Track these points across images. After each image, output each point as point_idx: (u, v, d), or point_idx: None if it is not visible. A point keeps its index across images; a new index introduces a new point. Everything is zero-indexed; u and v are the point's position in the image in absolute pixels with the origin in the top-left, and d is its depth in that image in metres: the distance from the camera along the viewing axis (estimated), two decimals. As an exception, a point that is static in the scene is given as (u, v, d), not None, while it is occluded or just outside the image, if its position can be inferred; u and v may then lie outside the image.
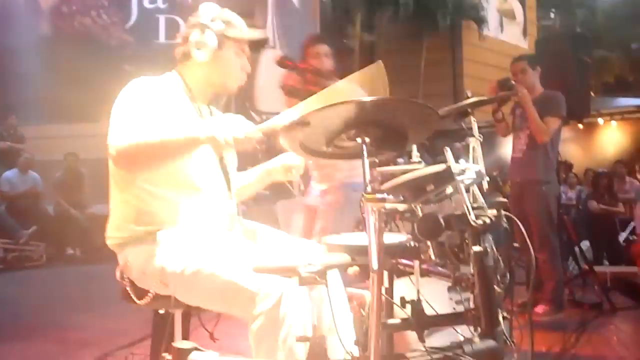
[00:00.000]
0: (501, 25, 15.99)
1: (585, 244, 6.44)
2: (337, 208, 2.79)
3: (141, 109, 1.65)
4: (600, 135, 11.44)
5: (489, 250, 1.29)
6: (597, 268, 4.96)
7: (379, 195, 1.16)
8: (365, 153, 1.19)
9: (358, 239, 1.79)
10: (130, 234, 1.71)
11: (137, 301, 1.70)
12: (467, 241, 1.31)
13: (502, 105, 3.40)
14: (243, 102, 11.10)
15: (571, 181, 9.05)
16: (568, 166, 9.45)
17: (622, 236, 7.18)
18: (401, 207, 1.46)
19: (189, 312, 1.92)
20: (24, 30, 10.37)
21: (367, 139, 1.21)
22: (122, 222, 1.73)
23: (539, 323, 3.59)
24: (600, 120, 11.09)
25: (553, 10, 19.99)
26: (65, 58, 9.92)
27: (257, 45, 1.86)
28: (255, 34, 1.84)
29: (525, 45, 15.46)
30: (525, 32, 16.53)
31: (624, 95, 14.53)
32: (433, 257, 1.78)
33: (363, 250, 1.53)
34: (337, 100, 1.20)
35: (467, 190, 1.50)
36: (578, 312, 3.87)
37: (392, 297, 1.78)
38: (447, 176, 1.30)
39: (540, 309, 3.69)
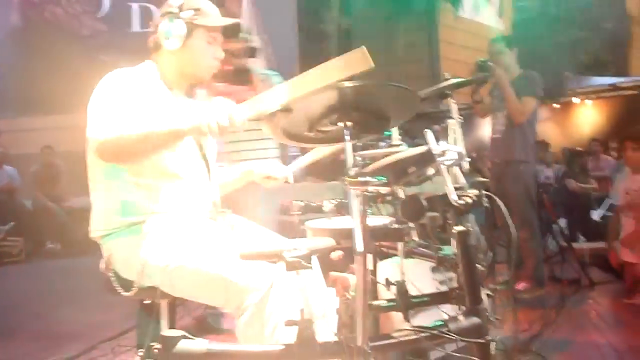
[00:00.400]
0: (477, 6, 16.03)
1: (562, 222, 6.57)
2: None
3: (120, 100, 1.63)
4: (576, 115, 11.59)
5: (471, 229, 1.31)
6: (575, 245, 5.07)
7: (361, 179, 1.17)
8: (347, 137, 1.20)
9: (341, 222, 1.81)
10: (114, 225, 1.70)
11: (123, 292, 1.69)
12: (449, 222, 1.32)
13: (480, 87, 3.42)
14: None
15: (548, 160, 9.18)
16: (545, 145, 9.57)
17: (600, 213, 7.31)
18: (383, 189, 1.47)
19: (174, 302, 1.93)
20: (-7, 21, 10.14)
21: (349, 123, 1.22)
22: (105, 214, 1.72)
23: (520, 300, 3.67)
24: (576, 100, 11.23)
25: (527, -10, 20.07)
26: (37, 49, 9.73)
27: (230, 33, 1.83)
28: (225, 20, 1.80)
29: (501, 26, 15.50)
30: (500, 13, 16.61)
31: (599, 75, 14.72)
32: (416, 238, 1.81)
33: (346, 233, 1.55)
34: (317, 84, 1.20)
35: (448, 172, 1.52)
36: (557, 288, 3.96)
37: (376, 279, 1.81)
38: (428, 158, 1.31)
39: (521, 286, 3.76)
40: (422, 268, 2.31)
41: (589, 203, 7.37)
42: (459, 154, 1.52)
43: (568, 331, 3.11)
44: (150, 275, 1.65)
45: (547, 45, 4.25)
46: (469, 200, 1.28)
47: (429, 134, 1.29)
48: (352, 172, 1.18)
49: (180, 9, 1.75)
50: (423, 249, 1.96)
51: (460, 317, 1.33)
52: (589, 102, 11.44)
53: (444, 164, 1.30)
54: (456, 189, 1.30)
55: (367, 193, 1.20)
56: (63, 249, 7.06)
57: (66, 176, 7.51)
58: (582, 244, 5.45)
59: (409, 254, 2.01)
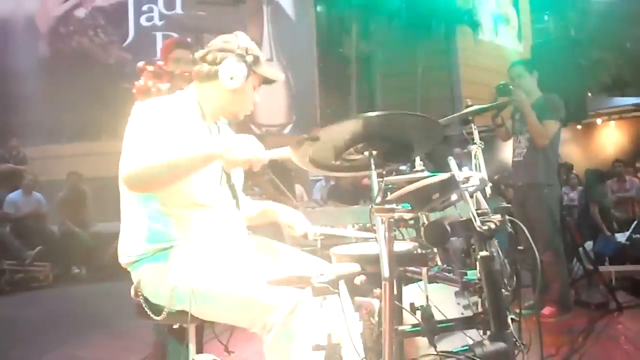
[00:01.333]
0: (496, 29, 16.10)
1: (588, 245, 6.47)
2: None
3: (153, 133, 1.68)
4: (598, 135, 11.49)
5: (495, 254, 1.33)
6: (601, 268, 4.99)
7: (387, 206, 1.19)
8: (372, 165, 1.24)
9: (365, 248, 1.83)
10: (143, 252, 1.74)
11: (155, 317, 1.73)
12: (473, 247, 1.34)
13: (501, 111, 3.44)
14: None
15: (572, 182, 9.08)
16: (568, 167, 9.48)
17: (626, 235, 7.19)
18: (408, 215, 1.50)
19: (202, 325, 1.96)
20: (23, 52, 10.46)
21: (374, 152, 1.25)
22: (134, 241, 1.76)
23: (546, 325, 3.62)
24: (598, 121, 11.15)
25: (547, 13, 20.09)
26: (65, 78, 10.01)
27: (270, 82, 1.91)
28: (275, 74, 1.90)
29: (520, 48, 15.56)
30: (520, 36, 16.64)
31: (621, 95, 14.59)
32: (440, 263, 1.82)
33: (370, 259, 1.57)
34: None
35: (471, 197, 1.54)
36: (585, 312, 3.89)
37: (401, 304, 1.82)
38: (451, 184, 1.33)
39: (547, 310, 3.71)
40: (445, 293, 2.30)
41: (612, 226, 7.27)
42: (482, 179, 1.54)
43: (596, 357, 3.05)
44: (180, 300, 1.69)
45: (568, 68, 4.22)
46: (492, 226, 1.30)
47: (452, 161, 1.32)
48: (378, 199, 1.21)
49: (246, 52, 1.82)
50: (446, 274, 1.96)
51: (486, 342, 1.34)
52: (612, 123, 11.33)
53: (467, 190, 1.32)
54: (479, 214, 1.32)
55: (392, 220, 1.23)
56: (88, 274, 7.17)
57: (92, 202, 7.66)
58: (608, 267, 5.35)
59: (432, 279, 2.02)
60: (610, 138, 11.31)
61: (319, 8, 14.03)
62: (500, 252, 1.37)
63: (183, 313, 1.71)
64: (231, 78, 1.80)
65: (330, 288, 1.25)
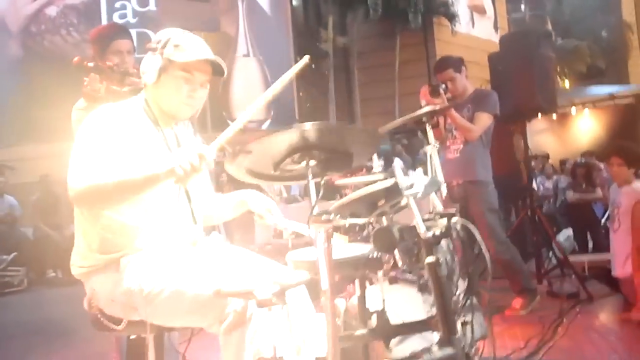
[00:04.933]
0: (472, 20, 16.15)
1: (565, 234, 6.54)
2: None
3: (101, 145, 1.65)
4: (574, 125, 11.62)
5: (441, 260, 1.32)
6: (573, 258, 5.05)
7: (324, 217, 1.18)
8: (310, 175, 1.22)
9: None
10: (94, 262, 1.72)
11: (115, 327, 1.70)
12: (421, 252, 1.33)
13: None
14: (220, 112, 11.10)
15: (548, 171, 9.19)
16: (544, 157, 9.58)
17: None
18: (360, 221, 1.49)
19: (161, 335, 1.93)
20: (-6, 52, 10.28)
21: (311, 162, 1.23)
22: (86, 251, 1.74)
23: (517, 317, 3.66)
24: (573, 110, 11.26)
25: (522, 2, 20.23)
26: (37, 78, 9.85)
27: (219, 74, 1.83)
28: (197, 56, 1.75)
29: (496, 39, 15.61)
30: (496, 26, 16.72)
31: (598, 83, 14.76)
32: (400, 264, 1.81)
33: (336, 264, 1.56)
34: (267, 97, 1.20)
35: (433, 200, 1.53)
36: (556, 303, 3.93)
37: (364, 306, 1.81)
38: (396, 190, 1.32)
39: (517, 303, 3.75)
40: (412, 291, 2.31)
41: (594, 214, 7.35)
42: (434, 180, 1.53)
43: (565, 348, 3.08)
44: (135, 306, 1.66)
45: (536, 60, 4.24)
46: (437, 232, 1.29)
47: (397, 167, 1.31)
48: (316, 210, 1.20)
49: (164, 45, 1.76)
50: (407, 274, 1.96)
51: (434, 348, 1.33)
52: (586, 112, 11.46)
53: (412, 196, 1.31)
54: (425, 220, 1.31)
55: (330, 230, 1.21)
56: (64, 277, 7.08)
57: (66, 204, 7.53)
58: (581, 257, 5.41)
59: (393, 280, 2.02)
60: (586, 127, 11.44)
61: (294, 2, 13.97)
62: (448, 257, 1.36)
63: (141, 323, 1.68)
64: (143, 73, 1.77)
65: (273, 300, 1.23)
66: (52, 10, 10.85)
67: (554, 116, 9.88)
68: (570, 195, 7.35)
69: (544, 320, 3.50)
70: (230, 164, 1.36)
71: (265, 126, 11.92)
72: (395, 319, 1.77)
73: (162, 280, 1.61)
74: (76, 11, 10.79)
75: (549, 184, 8.90)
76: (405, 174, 1.67)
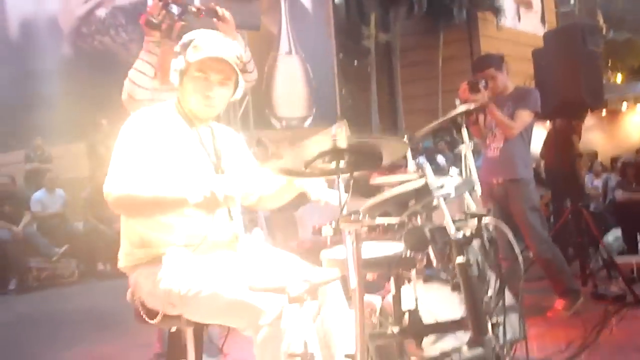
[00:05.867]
0: (518, 14, 15.80)
1: (613, 234, 6.33)
2: None
3: (138, 151, 1.72)
4: (625, 121, 11.23)
5: (472, 260, 1.32)
6: (622, 258, 4.90)
7: (353, 217, 1.21)
8: (339, 176, 1.25)
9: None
10: (137, 258, 1.80)
11: (149, 321, 1.78)
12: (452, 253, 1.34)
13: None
14: (262, 109, 11.23)
15: (597, 169, 8.92)
16: (593, 154, 9.31)
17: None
18: (393, 220, 1.51)
19: (201, 329, 2.00)
20: (46, 52, 10.67)
21: (341, 162, 1.26)
22: (129, 247, 1.82)
23: (559, 319, 3.58)
24: (624, 106, 10.88)
25: (572, -5, 19.63)
26: (88, 77, 10.18)
27: (248, 76, 1.86)
28: (209, 53, 1.76)
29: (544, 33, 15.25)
30: (544, 21, 16.30)
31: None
32: (435, 263, 1.82)
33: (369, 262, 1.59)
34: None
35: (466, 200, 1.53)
36: (601, 306, 3.83)
37: (399, 304, 1.83)
38: (426, 191, 1.33)
39: (559, 304, 3.67)
40: (446, 290, 2.31)
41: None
42: (468, 180, 1.53)
43: (607, 352, 3.00)
44: (174, 303, 1.73)
45: (581, 55, 4.13)
46: (468, 233, 1.29)
47: (427, 167, 1.32)
48: (345, 210, 1.22)
49: (186, 47, 1.79)
50: (442, 273, 1.96)
51: (464, 349, 1.34)
52: (638, 108, 11.06)
53: (444, 196, 1.32)
54: (456, 221, 1.32)
55: (359, 231, 1.24)
56: (113, 270, 7.31)
57: (115, 199, 7.79)
58: (630, 258, 5.23)
59: (428, 279, 2.03)
60: (636, 123, 11.04)
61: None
62: (479, 257, 1.37)
63: (178, 317, 1.76)
64: (170, 75, 1.82)
65: (305, 297, 1.26)
66: (102, 12, 11.19)
67: (604, 112, 9.58)
68: (620, 195, 7.10)
69: (587, 323, 3.41)
70: (263, 166, 1.40)
71: (307, 123, 11.99)
72: (428, 318, 1.78)
73: (200, 281, 1.67)
74: (124, 12, 11.09)
75: (597, 182, 8.64)
76: (447, 170, 1.68)
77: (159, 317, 1.78)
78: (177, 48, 1.83)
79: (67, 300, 6.01)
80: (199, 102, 1.82)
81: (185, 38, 1.83)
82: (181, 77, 1.80)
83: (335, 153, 1.26)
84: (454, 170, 1.62)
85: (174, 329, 1.94)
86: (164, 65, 2.39)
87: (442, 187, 1.31)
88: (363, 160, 1.31)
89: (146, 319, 1.81)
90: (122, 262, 1.86)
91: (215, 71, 1.79)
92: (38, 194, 7.57)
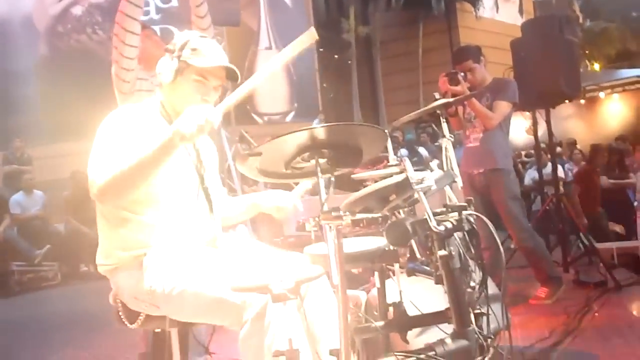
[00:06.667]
0: (496, 5, 15.91)
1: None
2: None
3: (118, 144, 1.69)
4: (602, 109, 11.36)
5: (454, 253, 1.33)
6: (602, 245, 4.97)
7: (334, 213, 1.20)
8: (319, 173, 1.24)
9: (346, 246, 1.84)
10: (118, 260, 1.77)
11: (129, 325, 1.76)
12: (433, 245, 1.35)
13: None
14: (244, 104, 11.19)
15: (576, 157, 9.01)
16: (572, 143, 9.42)
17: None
18: (374, 216, 1.51)
19: (186, 329, 1.99)
20: (22, 52, 10.50)
21: (321, 160, 1.25)
22: (109, 249, 1.79)
23: (542, 307, 3.62)
24: (601, 94, 11.01)
25: (549, -15, 19.80)
26: (65, 76, 10.05)
27: (233, 78, 1.86)
28: (215, 62, 1.80)
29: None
30: (521, 11, 16.43)
31: (628, 66, 14.39)
32: (418, 255, 1.83)
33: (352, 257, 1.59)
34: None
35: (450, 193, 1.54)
36: (583, 292, 3.88)
37: (384, 298, 1.84)
38: (407, 185, 1.34)
39: (541, 292, 3.71)
40: (430, 283, 2.33)
41: (628, 199, 7.16)
42: (449, 174, 1.54)
43: (590, 337, 3.05)
44: (157, 304, 1.72)
45: (559, 45, 4.17)
46: (449, 225, 1.30)
47: (407, 161, 1.32)
48: (326, 207, 1.22)
49: (182, 47, 1.80)
50: (425, 267, 1.97)
51: (448, 340, 1.35)
52: (615, 96, 11.19)
53: (425, 190, 1.33)
54: (436, 214, 1.32)
55: (340, 227, 1.24)
56: (96, 271, 7.21)
57: (96, 200, 7.71)
58: (609, 244, 5.31)
59: (412, 272, 2.03)
60: (615, 111, 11.18)
61: (315, -7, 13.93)
62: (461, 249, 1.38)
63: (161, 318, 1.74)
64: (160, 73, 1.81)
65: (289, 294, 1.26)
66: (77, 10, 11.04)
67: (582, 101, 9.69)
68: (605, 182, 7.17)
69: (570, 310, 3.47)
70: (242, 164, 1.39)
71: (289, 118, 11.98)
72: (413, 310, 1.79)
73: (182, 281, 1.65)
74: (100, 9, 10.96)
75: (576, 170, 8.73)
76: (430, 162, 1.68)
77: (141, 319, 1.77)
78: (170, 47, 1.82)
79: (51, 303, 5.95)
80: (195, 104, 1.78)
81: (179, 38, 1.83)
82: (175, 76, 1.80)
83: (314, 148, 1.25)
84: (434, 163, 1.63)
85: (157, 330, 1.92)
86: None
87: (422, 181, 1.31)
88: (343, 155, 1.31)
89: (127, 323, 1.80)
90: (102, 265, 1.84)
91: (215, 77, 1.83)
92: (16, 196, 7.46)
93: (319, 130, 1.25)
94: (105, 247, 1.81)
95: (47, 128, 9.70)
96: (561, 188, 5.54)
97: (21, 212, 7.36)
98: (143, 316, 1.75)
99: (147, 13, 10.93)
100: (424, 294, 2.01)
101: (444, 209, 1.38)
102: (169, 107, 1.87)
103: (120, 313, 1.80)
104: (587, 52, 17.15)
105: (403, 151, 8.87)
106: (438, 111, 2.00)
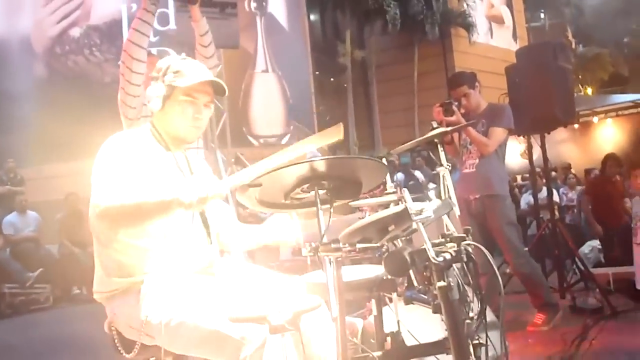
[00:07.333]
0: (491, 30, 16.11)
1: (589, 246, 6.39)
2: None
3: (119, 168, 1.70)
4: (596, 134, 11.45)
5: (452, 284, 1.33)
6: (598, 270, 4.96)
7: (334, 245, 1.20)
8: (319, 204, 1.24)
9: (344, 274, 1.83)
10: (114, 287, 1.76)
11: (125, 354, 1.74)
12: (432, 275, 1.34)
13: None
14: (240, 127, 11.22)
15: (571, 182, 9.05)
16: (567, 167, 9.46)
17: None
18: (373, 246, 1.50)
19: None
20: (19, 73, 10.53)
21: (320, 191, 1.26)
22: (105, 276, 1.78)
23: (538, 333, 3.60)
24: (595, 119, 11.11)
25: (542, 11, 20.11)
26: (61, 97, 10.05)
27: (221, 93, 1.88)
28: (197, 78, 1.80)
29: (516, 48, 15.57)
30: (515, 36, 16.65)
31: (619, 91, 14.56)
32: (416, 283, 1.82)
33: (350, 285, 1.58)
34: (292, 156, 1.25)
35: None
36: (580, 318, 3.87)
37: (381, 326, 1.82)
38: (406, 216, 1.34)
39: (538, 318, 3.69)
40: (428, 311, 2.31)
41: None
42: (447, 203, 1.54)
43: (588, 365, 3.03)
44: (152, 335, 1.69)
45: (552, 72, 4.22)
46: (448, 256, 1.30)
47: (406, 192, 1.32)
48: (325, 238, 1.22)
49: (164, 72, 1.82)
50: (422, 295, 1.96)
51: (447, 373, 1.33)
52: (609, 121, 11.29)
53: (423, 222, 1.33)
54: (436, 244, 1.32)
55: (340, 259, 1.23)
56: (89, 294, 7.15)
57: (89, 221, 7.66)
58: (606, 270, 5.30)
59: (409, 301, 2.02)
60: (608, 136, 11.27)
61: (312, 17, 14.09)
62: (460, 279, 1.37)
63: (156, 348, 1.72)
64: (149, 101, 1.83)
65: (286, 326, 1.25)
66: (75, 32, 11.10)
67: (576, 126, 9.76)
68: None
69: (567, 337, 3.45)
70: (241, 195, 1.39)
71: (285, 140, 12.00)
72: (411, 340, 1.78)
73: (179, 312, 1.64)
74: (99, 32, 11.01)
75: (572, 195, 8.76)
76: (426, 186, 1.68)
77: (137, 348, 1.74)
78: (154, 74, 1.84)
79: (43, 326, 5.87)
80: (187, 124, 1.84)
81: (161, 64, 1.85)
82: (164, 102, 1.81)
83: (314, 179, 1.26)
84: (431, 191, 1.63)
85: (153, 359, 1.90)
86: None
87: (421, 212, 1.31)
88: (343, 187, 1.31)
89: (123, 352, 1.77)
90: (98, 293, 1.82)
91: (203, 93, 1.84)
92: (10, 217, 7.42)
93: (319, 162, 1.25)
94: (101, 274, 1.79)
95: (40, 149, 9.67)
96: (556, 213, 5.54)
97: (14, 233, 7.31)
98: (139, 345, 1.73)
99: (144, 36, 11.02)
100: (422, 323, 1.99)
101: (443, 240, 1.37)
102: (163, 131, 1.88)
103: (116, 341, 1.77)
104: (580, 76, 17.36)
105: (399, 175, 8.90)
106: (435, 139, 2.01)
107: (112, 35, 11.01)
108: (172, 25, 11.10)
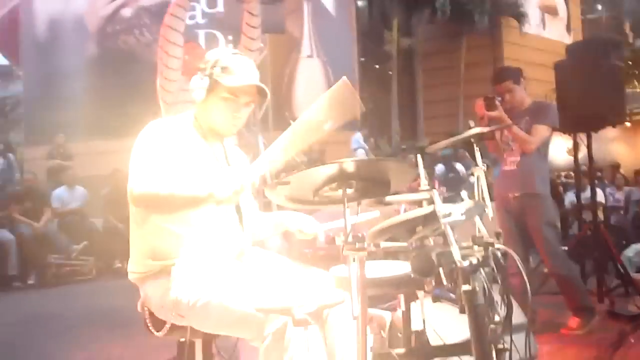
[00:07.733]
0: (543, 21, 15.62)
1: (638, 248, 6.18)
2: None
3: (157, 156, 1.76)
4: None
5: (478, 288, 1.32)
6: (639, 275, 4.81)
7: (358, 244, 1.21)
8: (346, 202, 1.25)
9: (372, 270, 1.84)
10: (147, 269, 1.82)
11: (155, 332, 1.80)
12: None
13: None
14: (282, 112, 11.28)
15: (619, 182, 8.77)
16: (615, 167, 9.16)
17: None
18: (400, 245, 1.51)
19: (210, 340, 2.02)
20: (72, 51, 10.85)
21: (348, 190, 1.27)
22: (139, 258, 1.84)
23: (573, 338, 3.53)
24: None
25: (599, 3, 19.34)
26: (111, 76, 10.33)
27: (260, 93, 1.89)
28: (245, 81, 1.83)
29: (569, 41, 15.08)
30: (569, 28, 16.10)
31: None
32: (445, 282, 1.81)
33: (376, 282, 1.59)
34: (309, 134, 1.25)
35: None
36: (617, 325, 3.76)
37: (409, 322, 1.82)
38: (434, 218, 1.33)
39: (573, 322, 3.61)
40: (455, 311, 2.29)
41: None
42: (479, 205, 1.53)
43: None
44: (182, 314, 1.75)
45: (603, 70, 4.08)
46: (474, 261, 1.29)
47: (435, 194, 1.32)
48: (350, 237, 1.23)
49: (213, 65, 1.85)
50: (451, 294, 1.95)
51: (468, 376, 1.33)
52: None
53: (450, 224, 1.32)
54: (463, 247, 1.31)
55: (365, 258, 1.24)
56: (129, 268, 7.39)
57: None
58: (648, 274, 5.12)
59: (437, 299, 2.01)
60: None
61: (360, 3, 13.98)
62: (486, 284, 1.36)
63: (185, 328, 1.78)
64: (193, 91, 1.85)
65: (309, 320, 1.27)
66: (127, 12, 11.34)
67: (628, 124, 9.41)
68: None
69: (602, 343, 3.36)
70: (270, 191, 1.41)
71: (327, 126, 11.99)
72: (436, 339, 1.78)
73: (208, 293, 1.69)
74: (149, 12, 11.22)
75: (619, 195, 8.50)
76: (467, 179, 1.67)
77: (167, 327, 1.81)
78: (202, 65, 1.87)
79: (84, 297, 6.09)
80: (227, 121, 1.89)
81: (210, 56, 1.88)
82: (207, 94, 1.85)
83: (343, 179, 1.27)
84: (464, 193, 1.61)
85: (182, 339, 1.96)
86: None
87: (449, 214, 1.31)
88: (371, 186, 1.31)
89: (153, 331, 1.84)
90: (132, 273, 1.89)
91: (246, 94, 1.87)
92: (58, 191, 7.69)
93: (348, 164, 1.26)
94: (136, 255, 1.86)
95: (89, 125, 9.99)
96: (600, 214, 5.39)
97: (61, 207, 7.58)
98: (169, 325, 1.79)
99: (192, 17, 11.15)
100: (448, 321, 1.99)
101: (471, 243, 1.37)
102: (203, 122, 1.92)
103: (147, 320, 1.84)
104: (636, 72, 16.68)
105: (440, 167, 8.77)
106: (472, 139, 1.99)
107: (161, 17, 10.97)
108: (220, 7, 11.22)
